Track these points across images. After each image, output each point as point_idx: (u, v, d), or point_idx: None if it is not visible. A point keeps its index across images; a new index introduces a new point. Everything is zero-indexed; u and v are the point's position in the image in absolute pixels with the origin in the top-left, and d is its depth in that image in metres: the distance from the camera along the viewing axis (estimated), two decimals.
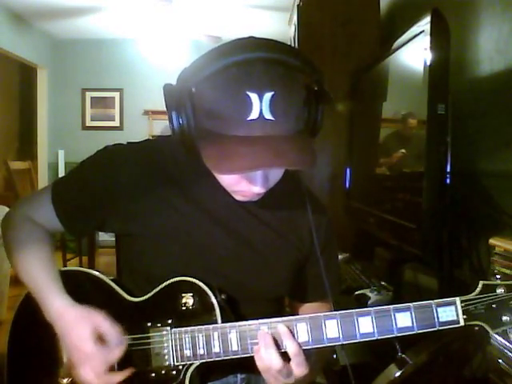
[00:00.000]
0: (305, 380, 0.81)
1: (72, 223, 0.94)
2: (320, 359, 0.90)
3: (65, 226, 0.94)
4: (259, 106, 0.70)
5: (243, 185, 0.80)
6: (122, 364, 0.83)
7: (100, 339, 0.81)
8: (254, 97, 0.69)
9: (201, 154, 0.77)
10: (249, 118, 0.70)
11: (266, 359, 0.76)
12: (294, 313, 1.02)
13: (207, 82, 0.72)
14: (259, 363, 0.78)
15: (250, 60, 0.70)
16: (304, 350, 0.78)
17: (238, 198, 0.85)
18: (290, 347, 0.77)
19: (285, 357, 0.77)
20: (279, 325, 0.79)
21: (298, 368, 0.77)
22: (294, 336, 0.78)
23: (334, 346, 0.80)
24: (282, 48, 0.74)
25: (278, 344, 0.78)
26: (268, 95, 0.70)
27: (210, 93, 0.72)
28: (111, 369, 0.82)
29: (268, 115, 0.70)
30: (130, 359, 0.84)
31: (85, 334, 0.81)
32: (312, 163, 0.73)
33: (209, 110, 0.73)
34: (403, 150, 1.55)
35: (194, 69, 0.74)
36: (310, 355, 0.80)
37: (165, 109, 0.76)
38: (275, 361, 0.76)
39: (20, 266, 0.91)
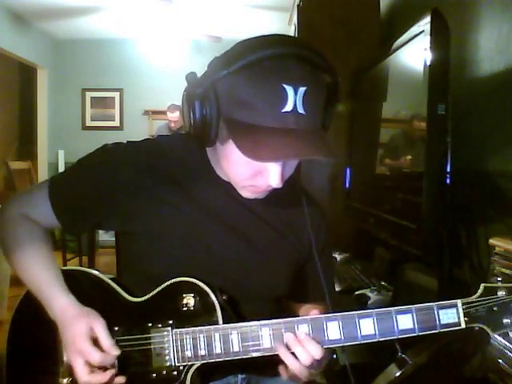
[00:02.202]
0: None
1: (70, 221, 0.94)
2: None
3: (62, 224, 0.93)
4: (293, 99, 0.72)
5: (259, 179, 0.80)
6: (122, 364, 0.83)
7: (95, 341, 0.81)
8: (289, 89, 0.71)
9: (216, 146, 0.79)
10: (283, 110, 0.72)
11: (307, 355, 0.77)
12: (290, 314, 1.02)
13: (241, 73, 0.73)
14: (291, 362, 0.78)
15: (285, 54, 0.73)
16: None
17: (245, 194, 0.85)
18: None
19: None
20: (300, 326, 0.79)
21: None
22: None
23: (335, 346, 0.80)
24: (310, 47, 0.78)
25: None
26: (302, 89, 0.72)
27: (243, 84, 0.73)
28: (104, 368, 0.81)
29: (300, 109, 0.73)
30: (130, 359, 0.84)
31: (80, 332, 0.81)
32: (336, 156, 0.76)
33: (241, 101, 0.73)
34: (410, 157, 1.54)
35: (227, 59, 0.75)
36: None
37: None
38: (315, 351, 0.77)
39: (20, 265, 0.91)
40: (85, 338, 0.80)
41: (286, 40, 0.78)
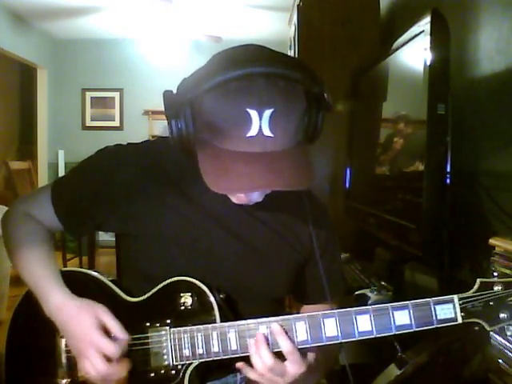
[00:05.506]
0: (309, 379, 0.81)
1: (72, 223, 0.95)
2: (325, 358, 0.89)
3: (64, 226, 0.94)
4: (258, 123, 0.69)
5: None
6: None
7: (103, 330, 0.82)
8: (253, 114, 0.69)
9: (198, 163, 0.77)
10: (248, 135, 0.69)
11: (258, 359, 0.77)
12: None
13: (208, 95, 0.71)
14: (255, 367, 0.78)
15: (251, 75, 0.69)
16: (302, 348, 0.78)
17: (234, 200, 0.85)
18: (284, 345, 0.77)
19: (281, 357, 0.77)
20: (272, 324, 0.79)
21: (294, 366, 0.77)
22: (287, 334, 0.78)
23: (334, 344, 0.80)
24: (283, 61, 0.74)
25: (269, 343, 0.78)
26: (268, 112, 0.69)
27: (210, 106, 0.71)
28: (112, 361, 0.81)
29: (267, 132, 0.70)
30: (129, 359, 0.84)
31: (88, 324, 0.81)
32: (309, 181, 0.74)
33: (208, 123, 0.72)
34: (410, 157, 1.53)
35: (195, 80, 0.74)
36: (307, 353, 0.80)
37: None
38: (266, 358, 0.76)
39: (20, 264, 0.91)
40: (95, 329, 0.81)
41: (257, 58, 0.73)
